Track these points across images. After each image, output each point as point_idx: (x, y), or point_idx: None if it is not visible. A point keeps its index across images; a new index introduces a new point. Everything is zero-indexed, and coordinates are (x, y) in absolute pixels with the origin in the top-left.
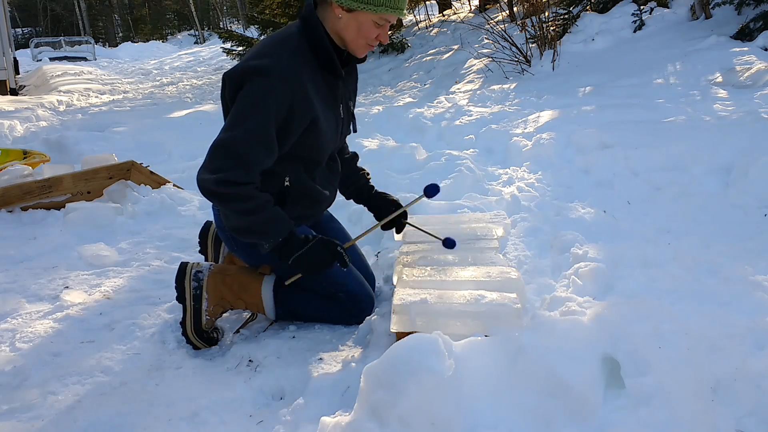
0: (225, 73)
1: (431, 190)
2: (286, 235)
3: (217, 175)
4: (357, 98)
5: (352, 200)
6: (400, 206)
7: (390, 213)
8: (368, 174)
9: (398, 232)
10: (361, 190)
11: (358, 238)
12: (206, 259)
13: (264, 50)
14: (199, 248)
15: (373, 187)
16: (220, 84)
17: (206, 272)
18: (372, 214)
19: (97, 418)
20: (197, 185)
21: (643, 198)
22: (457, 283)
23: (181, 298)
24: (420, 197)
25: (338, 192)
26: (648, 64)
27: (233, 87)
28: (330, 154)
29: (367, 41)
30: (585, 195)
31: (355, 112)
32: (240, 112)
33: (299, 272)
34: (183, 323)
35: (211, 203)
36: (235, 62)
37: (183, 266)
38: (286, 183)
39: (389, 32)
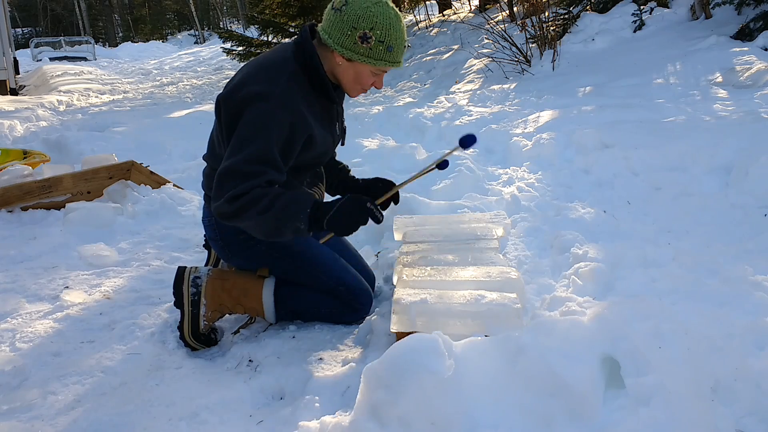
0: (221, 96)
1: (468, 141)
2: (313, 206)
3: (226, 195)
4: (357, 98)
5: (338, 195)
6: (387, 180)
7: (378, 189)
8: (348, 167)
9: (395, 203)
10: (346, 182)
11: (387, 195)
12: (209, 257)
13: (261, 75)
14: (204, 242)
15: (355, 176)
16: (216, 106)
17: (204, 277)
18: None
19: (97, 418)
20: (216, 217)
21: (643, 198)
22: (457, 283)
23: (178, 304)
24: (455, 149)
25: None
26: (648, 64)
27: (231, 112)
28: None
29: (362, 87)
30: (585, 195)
31: (352, 115)
32: (243, 138)
33: (335, 233)
34: (180, 328)
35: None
36: (236, 62)
37: (181, 271)
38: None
39: None
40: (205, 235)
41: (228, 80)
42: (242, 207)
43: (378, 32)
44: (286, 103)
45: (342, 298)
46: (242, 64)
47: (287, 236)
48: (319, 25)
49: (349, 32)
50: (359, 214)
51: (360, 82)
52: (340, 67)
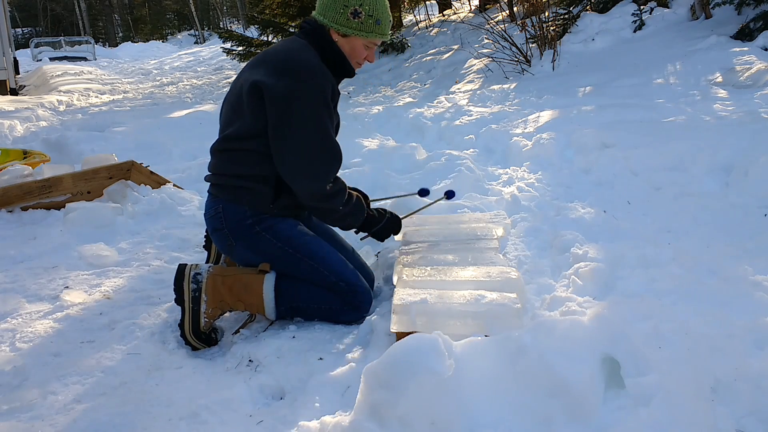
0: (260, 81)
1: (450, 194)
2: (366, 213)
3: (326, 176)
4: (357, 98)
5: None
6: None
7: None
8: None
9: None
10: None
11: (415, 212)
12: (209, 257)
13: (295, 57)
14: (204, 243)
15: None
16: (250, 88)
17: (205, 274)
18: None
19: (97, 418)
20: (307, 196)
21: (643, 198)
22: (457, 283)
23: (179, 300)
24: (439, 199)
25: None
26: (648, 64)
27: (277, 92)
28: None
29: (357, 60)
30: (585, 195)
31: (352, 115)
32: (307, 113)
33: (377, 238)
34: (181, 325)
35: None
36: (236, 62)
37: (181, 268)
38: None
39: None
40: (205, 235)
41: (252, 65)
42: (338, 191)
43: (366, 8)
44: (326, 75)
45: (342, 295)
46: (243, 64)
47: (340, 225)
48: (313, 12)
49: (341, 10)
50: (397, 228)
51: (355, 56)
52: (336, 43)
